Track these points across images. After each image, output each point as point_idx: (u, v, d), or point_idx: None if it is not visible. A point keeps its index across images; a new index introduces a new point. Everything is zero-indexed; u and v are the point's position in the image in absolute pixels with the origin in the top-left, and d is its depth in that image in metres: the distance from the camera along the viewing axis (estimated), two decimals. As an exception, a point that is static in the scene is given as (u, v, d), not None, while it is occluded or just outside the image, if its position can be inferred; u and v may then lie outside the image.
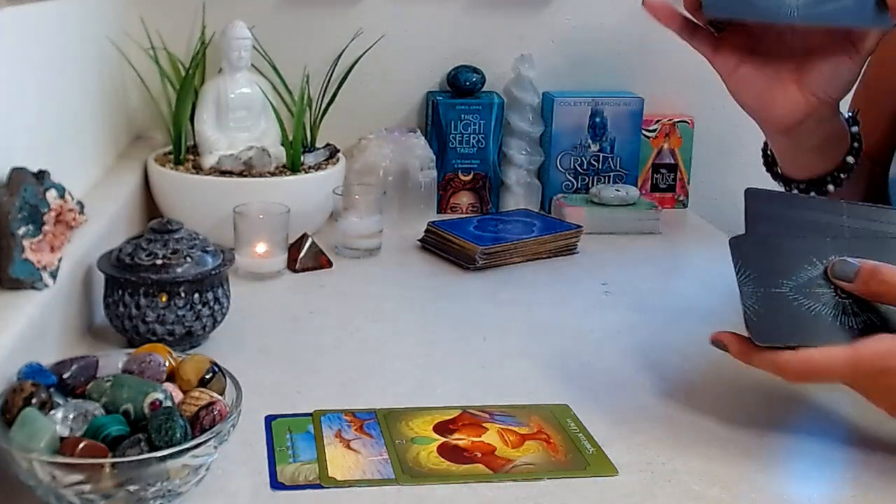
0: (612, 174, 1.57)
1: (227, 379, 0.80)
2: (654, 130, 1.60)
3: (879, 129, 1.04)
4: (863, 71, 0.88)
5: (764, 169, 1.04)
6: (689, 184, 1.63)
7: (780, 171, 1.01)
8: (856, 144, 0.97)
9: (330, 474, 0.78)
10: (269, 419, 0.86)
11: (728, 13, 0.87)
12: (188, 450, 0.69)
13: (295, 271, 1.26)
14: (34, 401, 0.71)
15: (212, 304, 1.00)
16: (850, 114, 0.99)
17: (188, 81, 1.36)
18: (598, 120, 1.55)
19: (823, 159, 0.97)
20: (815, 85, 0.88)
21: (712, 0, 0.85)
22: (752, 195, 0.86)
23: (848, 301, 0.80)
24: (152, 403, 0.72)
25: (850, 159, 0.97)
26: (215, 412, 0.73)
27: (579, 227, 1.40)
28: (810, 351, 0.77)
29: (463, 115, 1.53)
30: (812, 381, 0.81)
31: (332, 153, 1.42)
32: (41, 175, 0.90)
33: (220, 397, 0.75)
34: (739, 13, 0.86)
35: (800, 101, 0.88)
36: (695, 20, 0.89)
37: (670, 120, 1.60)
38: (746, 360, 0.81)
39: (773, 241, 0.83)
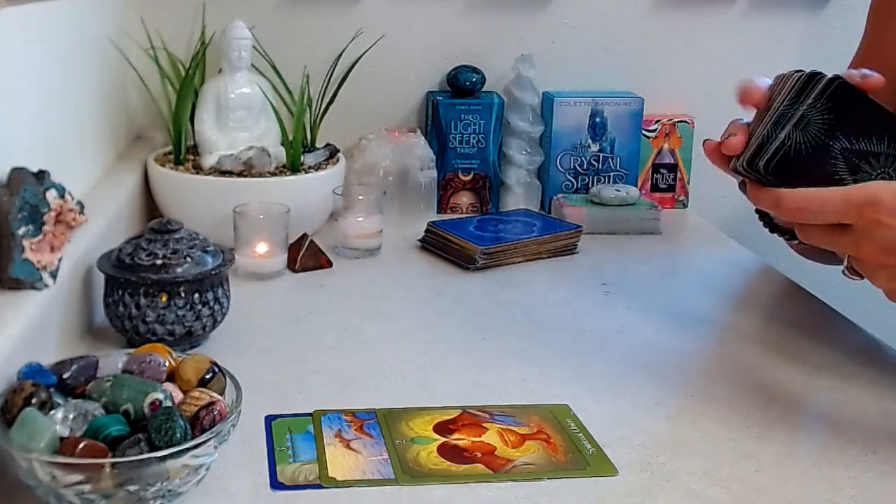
0: (612, 174, 1.57)
1: (227, 379, 0.80)
2: (654, 130, 1.60)
3: None
4: None
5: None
6: (689, 184, 1.63)
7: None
8: None
9: (330, 474, 0.78)
10: (269, 419, 0.86)
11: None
12: (188, 450, 0.69)
13: (295, 271, 1.26)
14: (34, 401, 0.71)
15: (212, 304, 1.00)
16: None
17: (188, 81, 1.36)
18: (598, 120, 1.55)
19: None
20: None
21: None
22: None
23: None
24: (152, 403, 0.72)
25: None
26: (215, 412, 0.73)
27: (579, 227, 1.40)
28: (808, 189, 0.79)
29: (463, 115, 1.53)
30: (805, 217, 0.80)
31: (332, 153, 1.42)
32: (41, 175, 0.90)
33: (220, 397, 0.75)
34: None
35: None
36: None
37: (670, 120, 1.60)
38: (753, 199, 0.83)
39: (865, 100, 0.82)
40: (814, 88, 0.81)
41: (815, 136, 0.81)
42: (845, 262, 0.83)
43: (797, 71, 0.83)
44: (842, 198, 0.78)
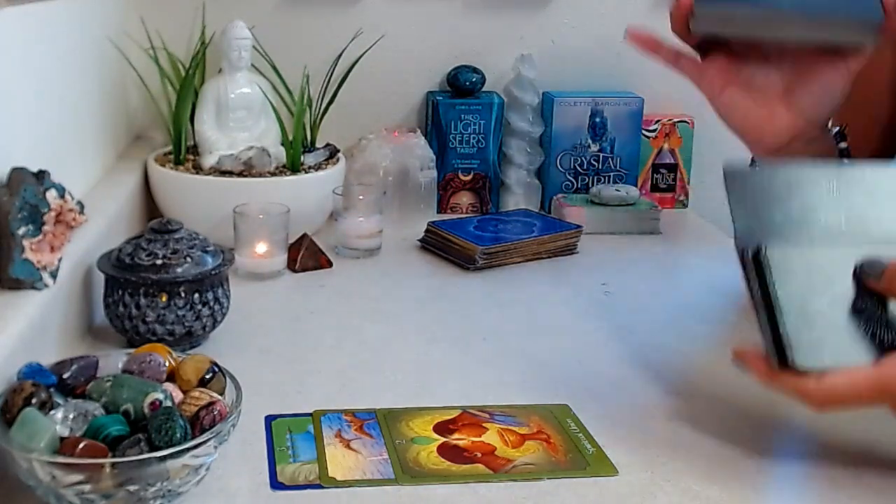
0: (612, 174, 1.57)
1: (227, 379, 0.80)
2: (654, 130, 1.60)
3: (869, 138, 1.03)
4: None
5: None
6: (689, 184, 1.63)
7: None
8: (845, 161, 0.96)
9: (330, 474, 0.78)
10: (269, 419, 0.86)
11: (718, 29, 0.86)
12: (188, 450, 0.69)
13: (295, 271, 1.26)
14: (34, 401, 0.71)
15: (212, 304, 1.00)
16: (838, 129, 0.97)
17: (188, 81, 1.36)
18: (598, 120, 1.55)
19: None
20: (804, 105, 0.87)
21: (702, 17, 0.84)
22: (730, 175, 0.79)
23: (880, 317, 0.77)
24: (152, 403, 0.72)
25: None
26: (215, 412, 0.73)
27: (579, 227, 1.40)
28: (834, 376, 0.74)
29: (463, 115, 1.53)
30: (838, 407, 0.75)
31: (332, 153, 1.42)
32: (41, 175, 0.90)
33: (220, 397, 0.75)
34: (730, 28, 0.85)
35: (788, 123, 0.88)
36: (679, 45, 0.88)
37: (670, 120, 1.60)
38: (769, 381, 0.77)
39: (801, 251, 0.78)
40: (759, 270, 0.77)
41: (798, 307, 0.76)
42: None
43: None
44: (874, 385, 0.73)
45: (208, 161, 1.34)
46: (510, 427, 0.87)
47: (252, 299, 1.15)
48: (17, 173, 0.88)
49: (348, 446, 0.82)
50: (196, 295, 0.99)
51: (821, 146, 0.93)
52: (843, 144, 0.96)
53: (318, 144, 1.43)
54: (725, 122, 0.90)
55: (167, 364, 0.80)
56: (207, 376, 0.79)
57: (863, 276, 0.77)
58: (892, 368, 0.73)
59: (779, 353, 0.75)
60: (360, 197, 1.35)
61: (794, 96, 0.87)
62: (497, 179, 1.57)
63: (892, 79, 1.02)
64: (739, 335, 1.10)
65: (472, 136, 1.54)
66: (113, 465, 0.67)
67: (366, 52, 1.50)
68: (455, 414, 0.89)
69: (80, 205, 0.93)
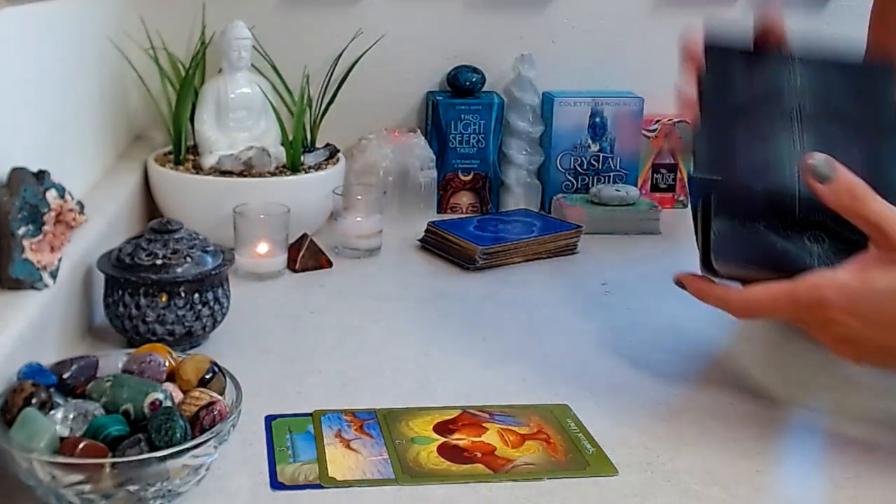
0: (612, 174, 1.57)
1: (227, 379, 0.80)
2: (654, 130, 1.60)
3: None
4: None
5: None
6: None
7: None
8: None
9: (330, 474, 0.78)
10: (269, 419, 0.86)
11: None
12: (188, 450, 0.69)
13: (295, 271, 1.26)
14: (34, 401, 0.71)
15: (212, 304, 1.00)
16: None
17: (188, 81, 1.36)
18: (598, 120, 1.55)
19: None
20: None
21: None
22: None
23: (819, 244, 0.82)
24: (152, 403, 0.72)
25: None
26: (215, 412, 0.73)
27: (579, 227, 1.40)
28: (755, 288, 0.81)
29: (463, 115, 1.53)
30: (756, 316, 0.84)
31: (332, 153, 1.42)
32: (41, 175, 0.90)
33: (220, 397, 0.75)
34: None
35: None
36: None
37: (670, 120, 1.60)
38: (701, 296, 0.86)
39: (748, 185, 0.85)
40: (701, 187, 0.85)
41: (735, 223, 0.85)
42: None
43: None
44: (789, 298, 0.79)
45: (208, 161, 1.34)
46: (510, 427, 0.87)
47: (252, 299, 1.15)
48: (17, 173, 0.88)
49: (348, 446, 0.82)
50: (196, 295, 0.99)
51: None
52: None
53: (318, 144, 1.43)
54: None
55: (167, 364, 0.80)
56: (207, 376, 0.79)
57: (810, 174, 0.79)
58: (804, 283, 0.78)
59: (704, 258, 0.85)
60: (360, 197, 1.35)
61: None
62: (497, 179, 1.57)
63: None
64: (739, 335, 1.10)
65: (472, 136, 1.54)
66: (113, 465, 0.67)
67: (366, 52, 1.50)
68: (455, 414, 0.89)
69: (80, 205, 0.93)
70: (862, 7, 1.14)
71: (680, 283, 0.88)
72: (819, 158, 0.79)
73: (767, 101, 0.86)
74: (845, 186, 0.78)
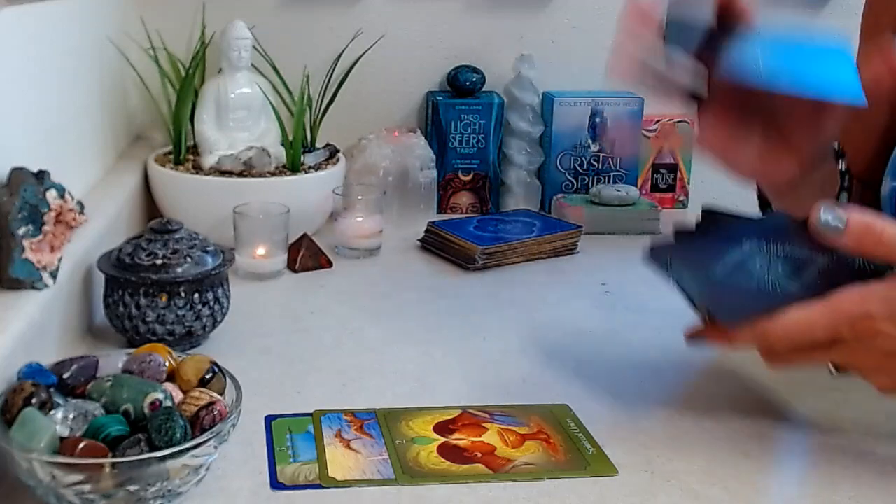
0: (612, 174, 1.57)
1: (227, 379, 0.80)
2: (653, 130, 1.60)
3: (866, 150, 1.01)
4: None
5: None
6: (689, 184, 1.63)
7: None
8: (846, 180, 0.94)
9: (330, 474, 0.78)
10: (269, 419, 0.86)
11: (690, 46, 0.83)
12: (188, 450, 0.69)
13: (295, 271, 1.26)
14: (34, 401, 0.71)
15: (212, 304, 1.00)
16: (835, 147, 0.95)
17: (188, 81, 1.36)
18: (598, 120, 1.55)
19: (820, 199, 0.94)
20: (806, 146, 0.86)
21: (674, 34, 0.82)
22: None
23: (780, 265, 0.78)
24: (152, 403, 0.72)
25: (845, 196, 0.93)
26: (215, 412, 0.73)
27: (579, 227, 1.40)
28: (787, 313, 0.74)
29: (463, 115, 1.53)
30: (797, 342, 0.75)
31: (332, 153, 1.42)
32: (41, 175, 0.90)
33: (220, 397, 0.75)
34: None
35: (794, 164, 0.86)
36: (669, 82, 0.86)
37: (670, 120, 1.60)
38: (728, 342, 0.79)
39: (694, 242, 0.84)
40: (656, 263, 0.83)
41: (703, 282, 0.81)
42: (830, 367, 0.81)
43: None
44: (829, 314, 0.74)
45: (208, 161, 1.34)
46: (510, 427, 0.87)
47: (252, 299, 1.15)
48: (17, 173, 0.88)
49: (348, 446, 0.82)
50: (196, 295, 0.99)
51: (823, 172, 0.92)
52: (842, 164, 0.95)
53: (318, 144, 1.43)
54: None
55: (167, 364, 0.80)
56: (207, 376, 0.79)
57: (819, 234, 0.75)
58: (844, 297, 0.73)
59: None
60: (360, 197, 1.35)
61: (791, 138, 0.86)
62: (497, 179, 1.57)
63: (888, 88, 1.02)
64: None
65: (472, 136, 1.54)
66: (113, 465, 0.67)
67: (366, 52, 1.50)
68: (455, 414, 0.89)
69: (80, 205, 0.93)
70: (861, 6, 1.14)
71: (695, 338, 0.82)
72: (825, 213, 0.74)
73: None
74: (861, 231, 0.73)
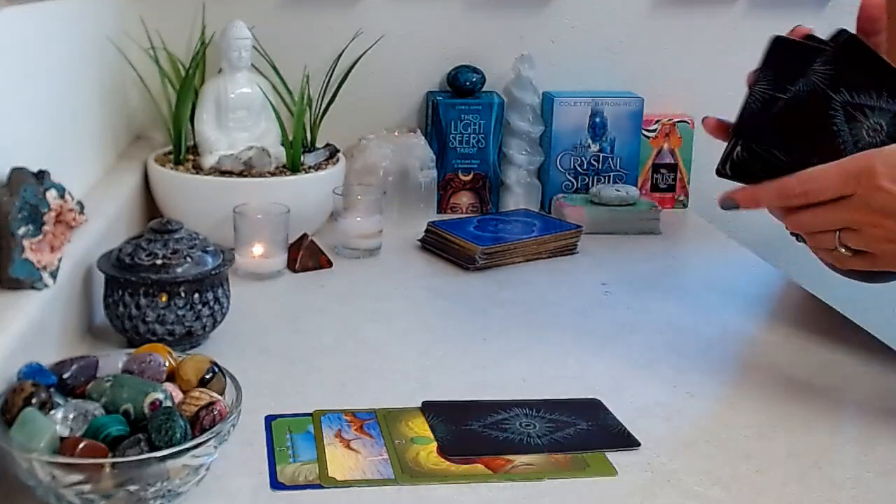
0: (612, 174, 1.57)
1: (227, 379, 0.80)
2: (654, 130, 1.60)
3: None
4: None
5: None
6: (689, 184, 1.63)
7: None
8: None
9: (330, 474, 0.78)
10: (269, 419, 0.86)
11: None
12: (188, 450, 0.69)
13: (295, 271, 1.26)
14: (34, 401, 0.71)
15: (212, 304, 1.00)
16: None
17: (188, 81, 1.36)
18: (598, 120, 1.55)
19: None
20: None
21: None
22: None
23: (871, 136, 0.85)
24: (152, 403, 0.72)
25: None
26: (215, 412, 0.73)
27: (579, 227, 1.40)
28: (805, 170, 0.83)
29: (463, 115, 1.53)
30: (811, 196, 0.83)
31: (332, 153, 1.42)
32: (41, 175, 0.90)
33: (220, 397, 0.75)
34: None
35: None
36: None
37: (670, 120, 1.60)
38: (755, 200, 0.86)
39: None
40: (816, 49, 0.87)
41: (819, 88, 0.85)
42: (837, 239, 0.84)
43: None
44: (839, 171, 0.82)
45: (208, 161, 1.34)
46: (510, 427, 0.87)
47: (252, 299, 1.15)
48: (17, 173, 0.88)
49: (348, 446, 0.82)
50: (196, 295, 0.99)
51: None
52: None
53: (318, 144, 1.43)
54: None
55: (167, 364, 0.80)
56: (207, 376, 0.79)
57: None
58: (854, 161, 0.82)
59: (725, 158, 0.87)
60: (360, 197, 1.35)
61: None
62: (497, 179, 1.57)
63: None
64: (739, 335, 1.10)
65: (472, 136, 1.54)
66: (113, 465, 0.67)
67: (366, 52, 1.50)
68: (455, 414, 0.89)
69: (80, 205, 0.93)
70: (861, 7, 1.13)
71: (728, 202, 0.88)
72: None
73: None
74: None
